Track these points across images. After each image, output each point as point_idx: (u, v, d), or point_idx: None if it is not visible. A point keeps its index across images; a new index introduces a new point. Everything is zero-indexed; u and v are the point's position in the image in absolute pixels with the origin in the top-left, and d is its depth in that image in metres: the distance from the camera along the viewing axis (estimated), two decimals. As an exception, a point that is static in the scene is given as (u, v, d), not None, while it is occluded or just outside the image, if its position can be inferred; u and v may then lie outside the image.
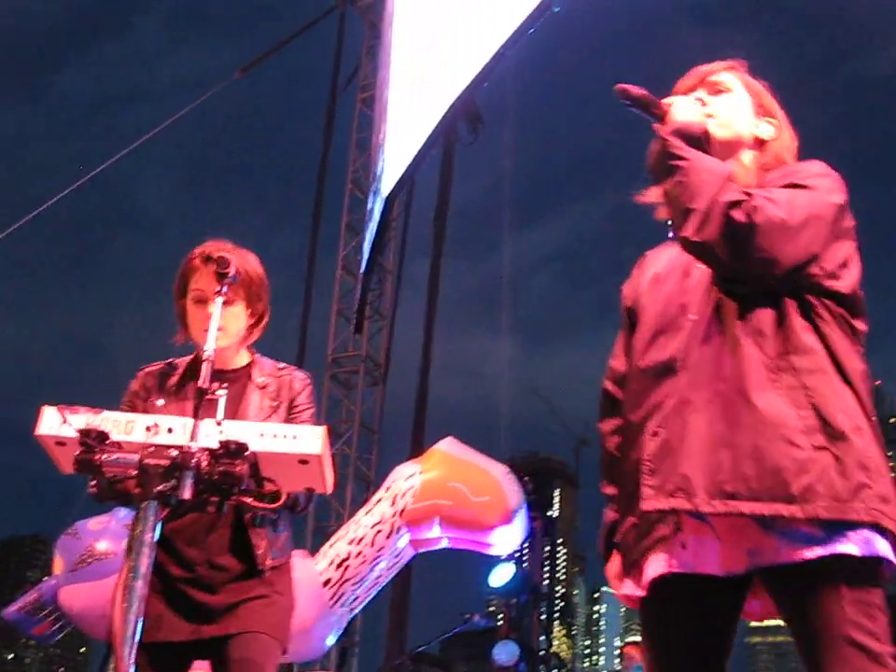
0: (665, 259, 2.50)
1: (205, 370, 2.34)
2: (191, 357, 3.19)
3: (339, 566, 5.39)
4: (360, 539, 5.41)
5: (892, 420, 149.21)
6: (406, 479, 5.44)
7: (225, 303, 2.66)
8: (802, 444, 2.09)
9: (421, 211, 12.24)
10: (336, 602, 5.36)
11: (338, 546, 5.47)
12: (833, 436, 2.11)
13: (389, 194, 8.28)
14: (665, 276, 2.45)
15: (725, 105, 2.46)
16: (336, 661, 9.98)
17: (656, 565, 2.23)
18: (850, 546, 2.04)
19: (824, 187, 2.27)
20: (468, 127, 10.61)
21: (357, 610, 5.66)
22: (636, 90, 2.37)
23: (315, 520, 10.74)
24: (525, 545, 8.00)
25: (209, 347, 2.43)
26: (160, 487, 2.13)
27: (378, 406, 11.66)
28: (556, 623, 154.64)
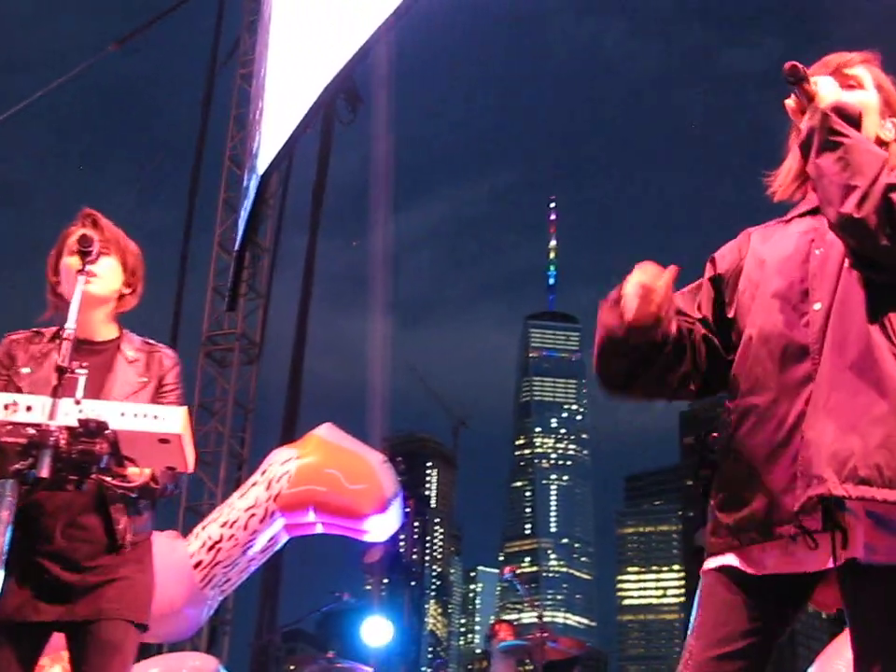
0: (780, 241, 2.47)
1: (65, 349, 2.31)
2: (57, 327, 3.14)
3: (211, 548, 5.35)
4: (234, 523, 5.38)
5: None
6: (282, 464, 5.42)
7: (99, 253, 2.67)
8: None
9: (299, 189, 12.16)
10: (207, 584, 5.32)
11: (210, 528, 5.42)
12: None
13: (265, 172, 8.20)
14: (786, 259, 2.41)
15: (855, 102, 2.40)
16: (207, 640, 9.91)
17: (775, 559, 2.24)
18: None
19: None
20: (346, 106, 10.58)
21: (228, 592, 5.63)
22: (804, 68, 2.35)
23: (186, 499, 10.64)
24: (401, 525, 8.03)
25: (70, 326, 2.40)
26: (17, 465, 2.10)
27: (252, 384, 11.58)
28: (432, 601, 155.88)
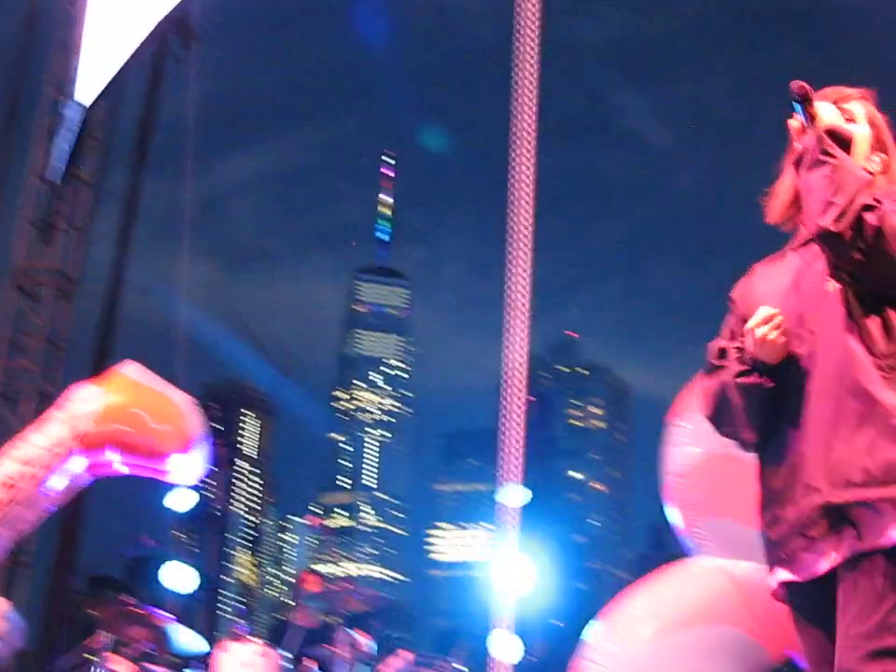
0: (779, 277, 2.70)
1: None
2: None
3: (7, 486, 5.18)
4: (32, 460, 5.21)
5: (581, 370, 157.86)
6: (84, 401, 5.27)
7: None
8: None
9: (126, 124, 11.75)
10: (1, 523, 5.16)
11: (7, 466, 5.25)
12: None
13: (92, 103, 7.91)
14: (784, 292, 2.65)
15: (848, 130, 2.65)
16: (4, 582, 9.62)
17: (820, 563, 2.47)
18: None
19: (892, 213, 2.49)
20: (180, 42, 10.29)
21: (25, 533, 5.46)
22: (811, 89, 2.60)
23: (-11, 436, 10.25)
24: (210, 472, 7.93)
25: None
26: None
27: (66, 321, 11.21)
28: (244, 551, 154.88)
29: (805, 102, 2.62)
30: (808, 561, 2.50)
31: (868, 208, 2.42)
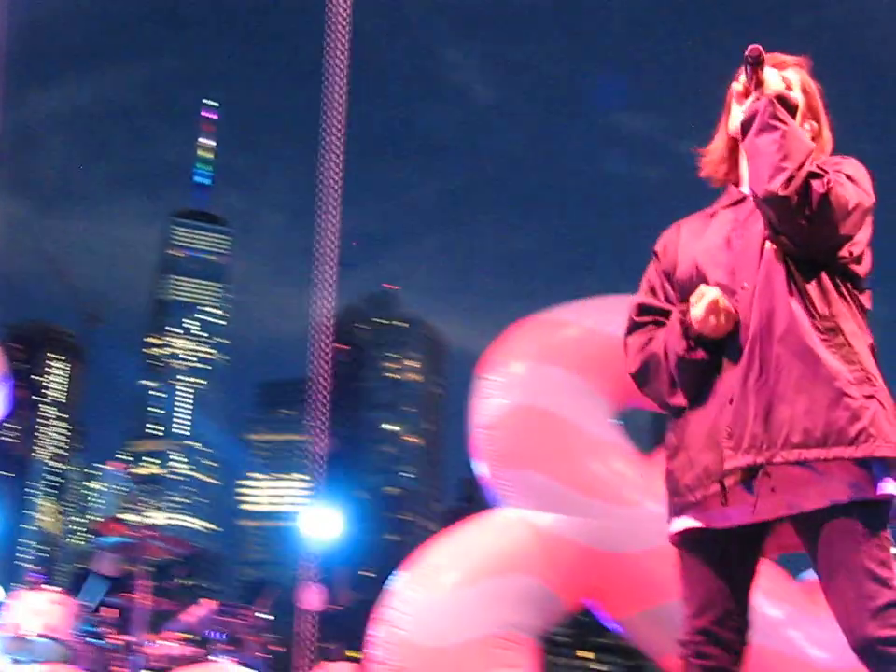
0: (710, 236, 2.73)
1: None
2: None
3: None
4: None
5: (399, 322, 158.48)
6: None
7: None
8: (854, 395, 2.43)
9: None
10: None
11: None
12: (876, 386, 2.48)
13: None
14: (717, 250, 2.68)
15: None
16: None
17: (744, 514, 2.54)
18: (892, 486, 2.44)
19: (867, 184, 2.61)
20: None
21: None
22: (764, 53, 2.62)
23: None
24: (11, 415, 7.63)
25: None
26: None
27: None
28: (46, 497, 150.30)
29: (758, 66, 2.64)
30: (731, 512, 2.55)
31: (815, 175, 2.48)
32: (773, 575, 4.58)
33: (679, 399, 2.67)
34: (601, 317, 4.81)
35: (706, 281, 2.65)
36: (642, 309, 2.82)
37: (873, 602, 2.42)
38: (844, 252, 2.59)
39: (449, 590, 4.52)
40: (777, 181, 2.49)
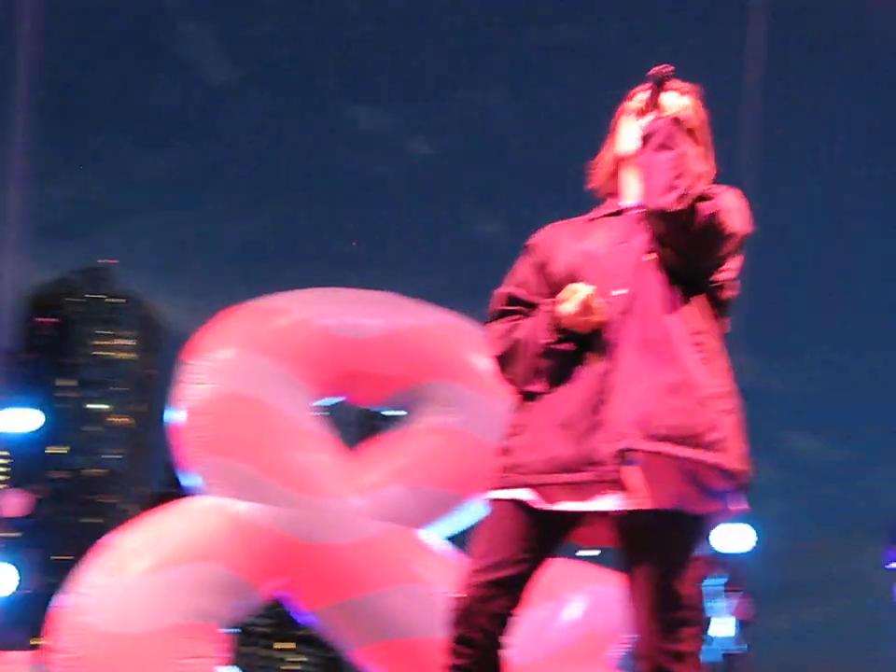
0: (592, 241, 2.84)
1: None
2: None
3: None
4: None
5: (114, 299, 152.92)
6: None
7: None
8: (715, 406, 2.61)
9: None
10: None
11: None
12: (733, 404, 2.68)
13: None
14: (596, 254, 2.80)
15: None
16: None
17: (568, 498, 2.65)
18: (738, 500, 2.64)
19: (744, 214, 2.81)
20: None
21: None
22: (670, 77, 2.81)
23: None
24: None
25: None
26: None
27: None
28: None
29: (661, 87, 2.80)
30: (564, 499, 2.66)
31: (703, 198, 2.65)
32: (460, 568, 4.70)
33: (539, 386, 2.77)
34: (314, 308, 4.80)
35: (582, 281, 2.75)
36: (509, 299, 2.93)
37: (668, 615, 2.59)
38: (717, 276, 2.78)
39: (137, 576, 4.38)
40: (669, 197, 2.66)
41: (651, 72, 2.82)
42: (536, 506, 2.66)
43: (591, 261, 2.82)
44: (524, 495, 2.67)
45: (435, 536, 4.76)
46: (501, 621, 2.64)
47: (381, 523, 4.58)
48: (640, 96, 2.89)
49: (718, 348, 2.74)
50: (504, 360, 2.87)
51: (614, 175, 2.99)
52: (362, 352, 4.75)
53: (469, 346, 4.90)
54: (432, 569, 4.62)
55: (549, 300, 2.80)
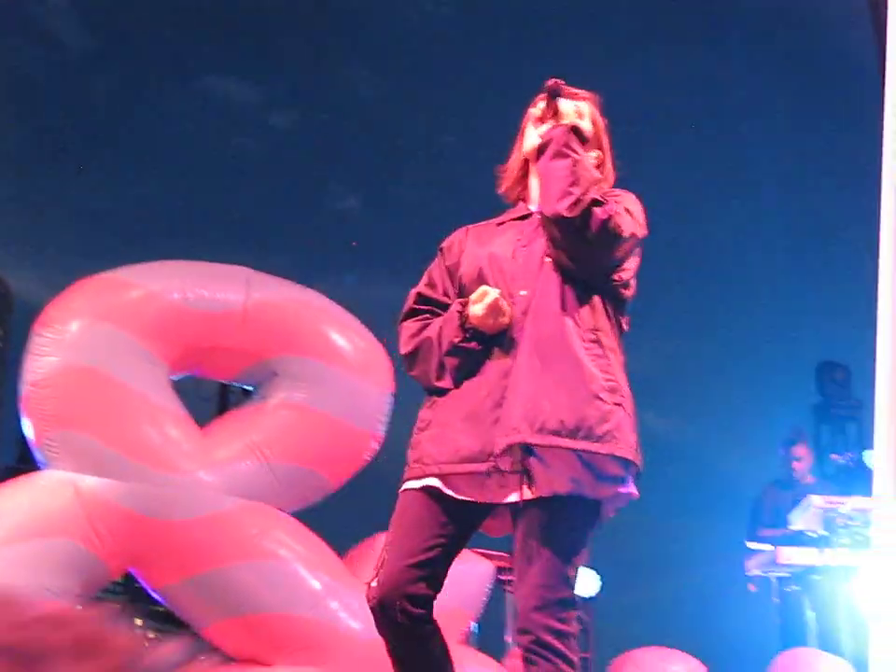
0: (499, 245, 3.00)
1: None
2: None
3: None
4: None
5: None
6: None
7: None
8: (606, 399, 2.77)
9: None
10: None
11: None
12: (624, 397, 2.83)
13: None
14: (502, 257, 2.96)
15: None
16: None
17: (470, 488, 2.80)
18: (631, 487, 2.81)
19: (641, 218, 2.98)
20: None
21: None
22: (564, 87, 2.99)
23: None
24: None
25: None
26: None
27: None
28: None
29: (556, 97, 2.98)
30: (468, 489, 2.81)
31: (597, 203, 2.81)
32: (312, 545, 4.72)
33: (446, 383, 2.93)
34: (166, 281, 4.73)
35: (488, 284, 2.93)
36: (420, 299, 3.09)
37: (552, 594, 2.72)
38: (615, 276, 2.94)
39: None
40: (563, 203, 2.81)
41: (548, 83, 3.00)
42: (444, 492, 2.80)
43: (495, 264, 2.97)
44: (431, 482, 2.81)
45: (287, 511, 4.76)
46: (420, 602, 2.75)
47: (232, 498, 4.56)
48: (541, 104, 3.04)
49: (612, 345, 2.89)
50: (413, 357, 3.02)
51: (522, 179, 3.14)
52: (215, 326, 4.71)
53: (325, 322, 4.91)
54: (284, 545, 4.63)
55: (458, 300, 2.98)
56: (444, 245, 3.14)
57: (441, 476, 2.81)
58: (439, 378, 2.94)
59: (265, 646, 4.55)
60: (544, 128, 2.99)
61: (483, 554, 5.25)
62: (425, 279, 3.14)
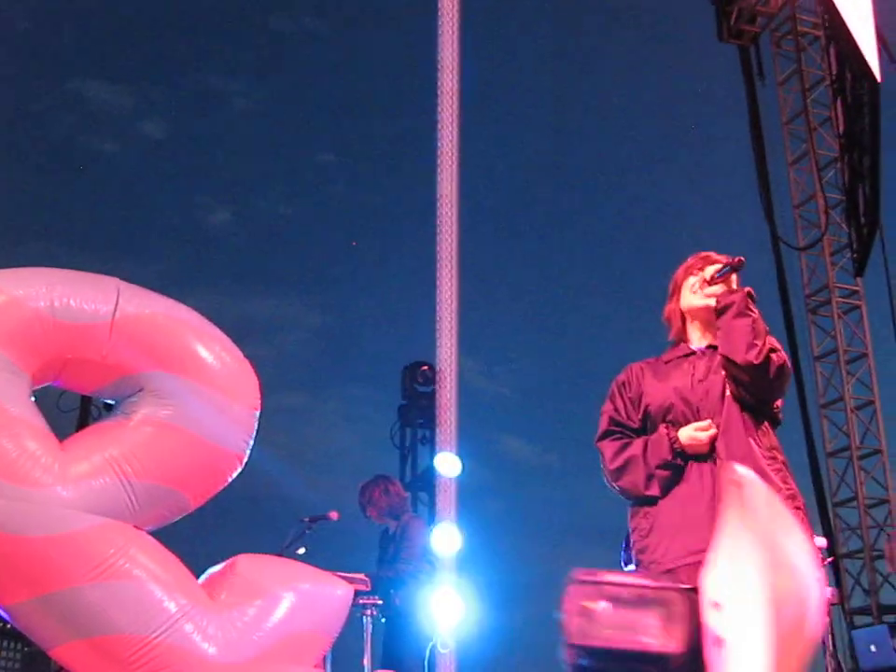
0: (675, 379, 3.91)
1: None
2: None
3: None
4: None
5: None
6: None
7: None
8: (789, 506, 3.49)
9: None
10: None
11: None
12: (802, 500, 3.72)
13: None
14: (682, 390, 3.87)
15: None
16: None
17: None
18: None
19: (785, 358, 3.77)
20: None
21: None
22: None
23: None
24: None
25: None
26: None
27: None
28: None
29: (736, 271, 3.91)
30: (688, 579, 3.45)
31: (773, 350, 3.70)
32: (170, 566, 4.61)
33: (654, 491, 3.74)
34: (31, 289, 4.56)
35: (677, 413, 3.82)
36: (612, 422, 3.96)
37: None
38: (775, 405, 3.84)
39: None
40: (751, 353, 3.64)
41: (731, 261, 3.93)
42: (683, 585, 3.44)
43: (680, 396, 3.83)
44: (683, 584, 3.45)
45: (144, 530, 4.64)
46: None
47: (89, 515, 4.42)
48: (709, 269, 3.95)
49: (784, 459, 3.71)
50: (621, 471, 3.82)
51: (683, 325, 4.03)
52: (81, 337, 4.57)
53: (194, 338, 4.80)
54: (139, 565, 4.50)
55: (663, 425, 3.83)
56: (622, 380, 3.99)
57: (672, 570, 3.54)
58: (647, 488, 3.75)
59: (115, 669, 4.41)
60: (714, 289, 3.89)
61: (342, 577, 5.20)
62: (611, 406, 3.99)
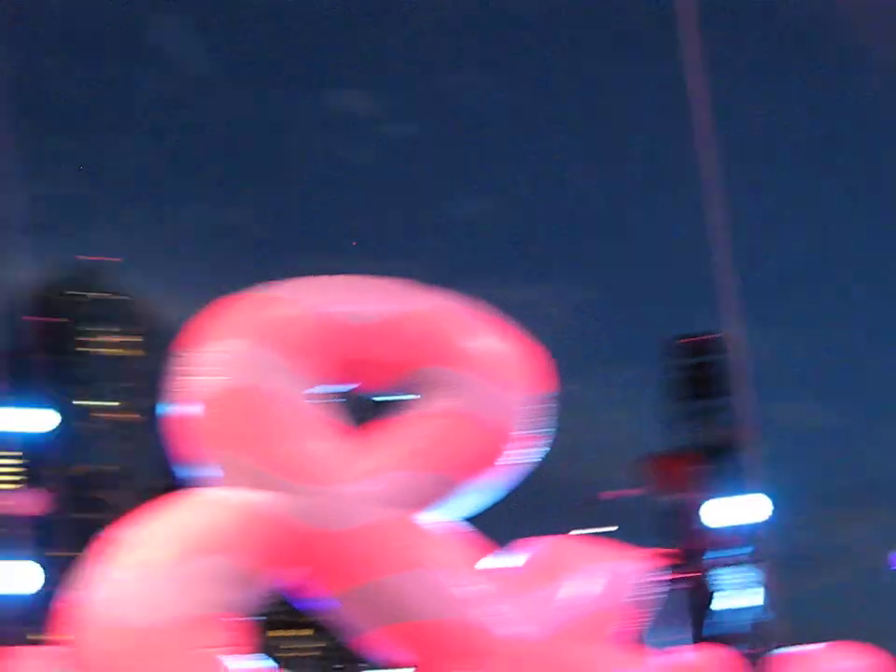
0: None
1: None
2: None
3: None
4: None
5: (114, 296, 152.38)
6: None
7: None
8: None
9: None
10: None
11: None
12: None
13: None
14: None
15: None
16: None
17: None
18: None
19: None
20: None
21: None
22: None
23: None
24: None
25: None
26: None
27: None
28: None
29: None
30: None
31: None
32: (459, 553, 4.71)
33: None
34: (316, 297, 4.79)
35: None
36: None
37: None
38: None
39: (146, 570, 4.37)
40: None
41: None
42: None
43: None
44: None
45: (440, 520, 4.77)
46: None
47: (385, 508, 4.59)
48: None
49: None
50: None
51: None
52: (366, 338, 4.75)
53: (465, 331, 4.94)
54: (437, 554, 4.64)
55: None
56: None
57: None
58: None
59: (419, 652, 4.61)
60: None
61: (650, 553, 5.19)
62: None
